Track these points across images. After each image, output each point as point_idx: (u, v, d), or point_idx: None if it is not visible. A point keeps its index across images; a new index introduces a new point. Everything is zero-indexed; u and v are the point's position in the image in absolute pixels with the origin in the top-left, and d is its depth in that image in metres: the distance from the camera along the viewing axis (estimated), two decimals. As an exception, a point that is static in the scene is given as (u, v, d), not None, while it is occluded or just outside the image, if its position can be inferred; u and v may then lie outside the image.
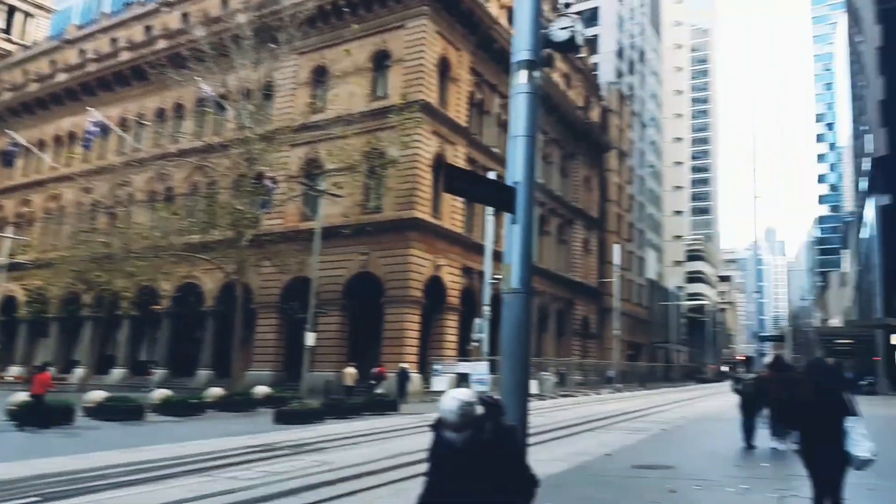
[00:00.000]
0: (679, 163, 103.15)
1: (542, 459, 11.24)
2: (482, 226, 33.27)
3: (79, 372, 40.72)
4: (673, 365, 77.57)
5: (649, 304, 77.53)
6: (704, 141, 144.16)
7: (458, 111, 37.30)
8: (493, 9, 41.61)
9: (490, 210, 32.43)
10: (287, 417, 18.80)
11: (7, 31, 65.83)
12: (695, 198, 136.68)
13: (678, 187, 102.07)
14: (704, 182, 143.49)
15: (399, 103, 29.54)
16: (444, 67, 36.21)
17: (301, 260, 30.54)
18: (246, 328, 35.18)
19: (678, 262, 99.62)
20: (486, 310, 30.33)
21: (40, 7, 70.39)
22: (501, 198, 5.82)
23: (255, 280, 34.30)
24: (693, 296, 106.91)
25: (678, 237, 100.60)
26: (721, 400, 35.04)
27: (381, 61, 35.32)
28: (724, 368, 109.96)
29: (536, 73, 6.24)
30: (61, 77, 49.36)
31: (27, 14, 68.77)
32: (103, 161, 43.03)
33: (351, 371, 28.61)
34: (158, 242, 29.00)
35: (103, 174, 40.70)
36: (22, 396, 17.85)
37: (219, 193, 29.19)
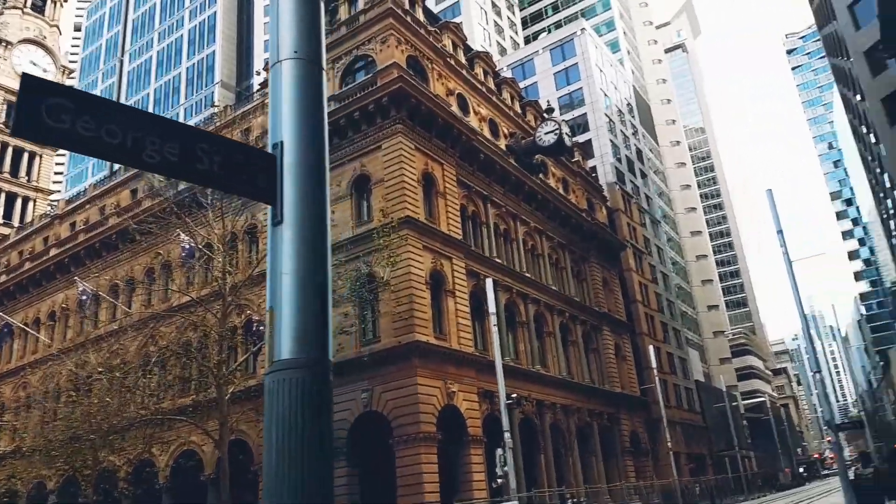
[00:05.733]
0: (702, 256, 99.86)
1: None
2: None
3: None
4: (742, 474, 69.70)
5: (701, 408, 71.26)
6: (723, 234, 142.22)
7: (451, 225, 35.29)
8: (474, 122, 40.96)
9: (494, 319, 29.51)
10: None
11: (8, 217, 66.95)
12: (727, 291, 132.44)
13: (707, 280, 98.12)
14: (734, 275, 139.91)
15: (382, 223, 27.84)
16: (428, 183, 34.66)
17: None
18: (250, 492, 31.41)
19: (724, 360, 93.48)
20: (507, 436, 26.74)
21: (39, 191, 72.31)
22: (236, 171, 2.94)
23: (255, 437, 30.90)
24: (749, 394, 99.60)
25: (719, 332, 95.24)
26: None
27: (361, 186, 33.89)
28: (802, 470, 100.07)
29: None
30: (53, 252, 48.97)
31: (26, 199, 70.64)
32: (97, 331, 40.92)
33: None
34: (150, 409, 26.69)
35: (99, 343, 38.04)
36: None
37: (207, 348, 26.58)
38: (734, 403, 76.99)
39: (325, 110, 3.19)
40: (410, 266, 30.69)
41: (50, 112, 2.44)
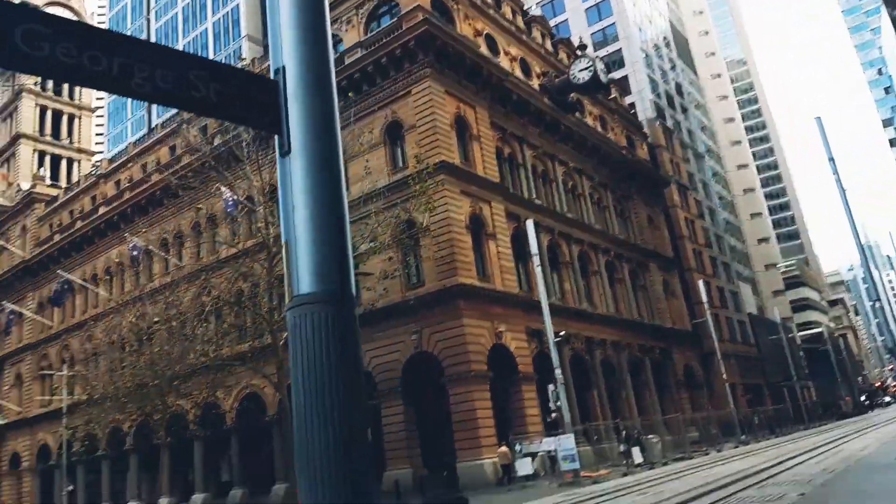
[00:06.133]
0: (750, 189, 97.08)
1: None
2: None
3: (162, 502, 38.79)
4: (801, 404, 68.96)
5: (756, 341, 70.36)
6: (770, 167, 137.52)
7: (487, 168, 34.91)
8: (504, 62, 39.99)
9: (537, 260, 29.43)
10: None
11: (55, 178, 69.14)
12: (777, 224, 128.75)
13: (756, 214, 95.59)
14: (783, 207, 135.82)
15: (417, 169, 27.72)
16: (461, 126, 34.23)
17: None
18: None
19: (778, 292, 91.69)
20: (558, 372, 27.14)
21: (82, 151, 74.61)
22: (235, 99, 2.79)
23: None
24: (805, 325, 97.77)
25: (771, 265, 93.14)
26: (872, 436, 29.33)
27: (394, 132, 33.69)
28: (864, 399, 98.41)
29: None
30: (102, 211, 50.45)
31: (71, 160, 72.89)
32: (152, 284, 42.51)
33: (504, 450, 27.09)
34: (209, 356, 27.89)
35: (155, 296, 39.02)
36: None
37: (259, 297, 27.16)
38: (790, 335, 75.79)
39: (329, 30, 3.00)
40: (449, 211, 30.64)
41: (25, 39, 2.34)
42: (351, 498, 2.47)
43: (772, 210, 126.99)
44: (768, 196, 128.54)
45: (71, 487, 43.97)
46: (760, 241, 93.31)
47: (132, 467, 42.69)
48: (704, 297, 50.84)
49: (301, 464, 2.54)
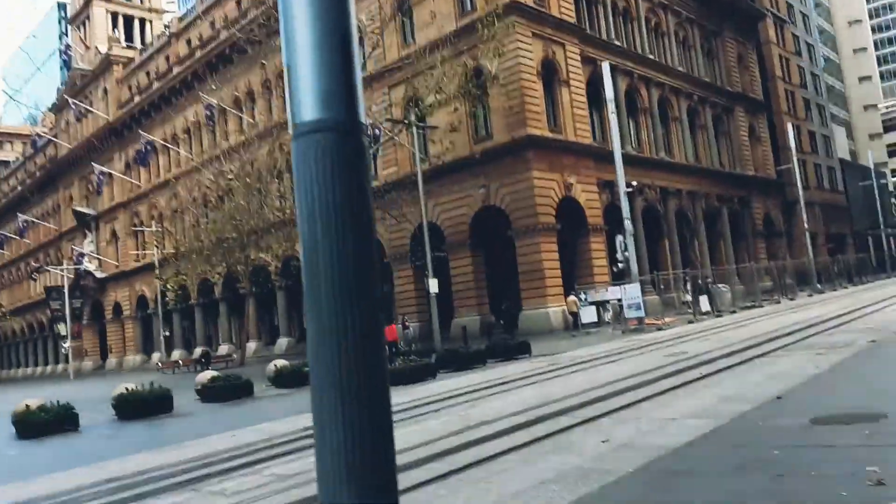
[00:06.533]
0: (856, 21, 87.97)
1: (671, 417, 7.44)
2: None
3: (250, 346, 41.18)
4: (886, 252, 66.20)
5: (844, 187, 66.76)
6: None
7: (563, 7, 32.58)
8: None
9: (612, 106, 28.06)
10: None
11: (129, 39, 69.86)
12: (883, 60, 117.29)
13: (860, 49, 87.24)
14: (893, 41, 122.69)
15: (486, 12, 26.16)
16: (533, -38, 31.62)
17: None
18: (385, 283, 33.95)
19: (875, 136, 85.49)
20: (628, 223, 26.68)
21: (153, 11, 74.52)
22: None
23: (384, 234, 32.34)
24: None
25: (871, 106, 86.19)
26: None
27: (460, -29, 31.59)
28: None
29: None
30: (176, 70, 50.91)
31: (143, 20, 72.98)
32: (228, 143, 42.73)
33: (572, 299, 27.65)
34: (284, 211, 28.99)
35: (231, 155, 38.42)
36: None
37: None
38: (882, 181, 71.47)
39: None
40: (519, 56, 29.19)
41: None
42: (359, 330, 2.33)
43: (878, 44, 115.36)
44: (876, 28, 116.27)
45: (167, 333, 48.22)
46: (862, 79, 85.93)
47: (222, 314, 46.26)
48: (793, 143, 47.96)
49: (309, 300, 2.39)
